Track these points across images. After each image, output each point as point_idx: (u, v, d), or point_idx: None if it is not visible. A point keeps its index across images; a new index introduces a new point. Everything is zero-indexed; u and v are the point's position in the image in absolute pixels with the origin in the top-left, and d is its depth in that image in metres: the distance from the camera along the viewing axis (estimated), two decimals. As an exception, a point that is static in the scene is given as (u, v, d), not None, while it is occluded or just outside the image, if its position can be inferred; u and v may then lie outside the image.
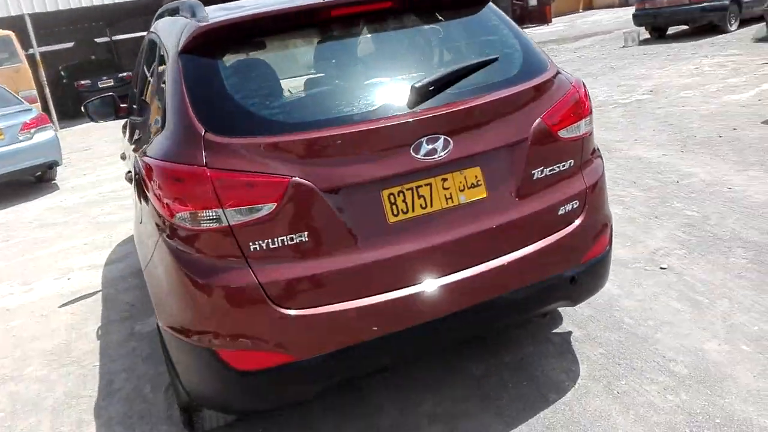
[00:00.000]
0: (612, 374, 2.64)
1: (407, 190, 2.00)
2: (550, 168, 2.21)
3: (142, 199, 2.26)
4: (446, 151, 2.01)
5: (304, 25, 2.21)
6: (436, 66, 2.40)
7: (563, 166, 2.22)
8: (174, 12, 2.63)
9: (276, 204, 1.85)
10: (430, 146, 1.99)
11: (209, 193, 1.84)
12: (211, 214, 1.86)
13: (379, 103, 2.03)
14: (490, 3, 2.47)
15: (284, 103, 2.17)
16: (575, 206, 2.25)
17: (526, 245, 2.15)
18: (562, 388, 2.59)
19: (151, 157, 2.05)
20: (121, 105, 3.64)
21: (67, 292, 4.54)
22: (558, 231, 2.23)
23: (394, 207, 1.99)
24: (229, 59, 2.13)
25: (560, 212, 2.22)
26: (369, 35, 2.40)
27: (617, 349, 2.81)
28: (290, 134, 1.91)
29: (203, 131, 1.91)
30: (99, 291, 4.46)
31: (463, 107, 2.06)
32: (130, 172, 2.85)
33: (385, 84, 2.20)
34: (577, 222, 2.27)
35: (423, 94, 2.02)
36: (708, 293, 3.19)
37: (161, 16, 3.02)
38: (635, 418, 2.36)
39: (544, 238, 2.19)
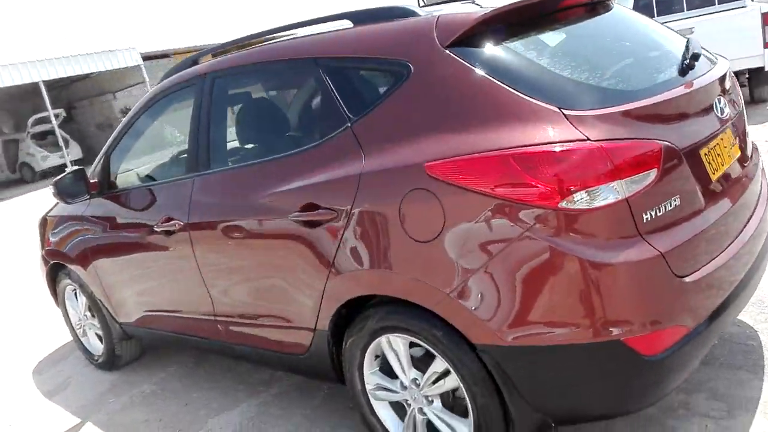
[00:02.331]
0: None
1: (712, 148, 2.10)
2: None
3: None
4: (727, 110, 2.25)
5: (562, 8, 2.29)
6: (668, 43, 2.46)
7: None
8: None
9: (657, 169, 1.82)
10: (721, 105, 2.21)
11: (606, 166, 1.75)
12: (606, 189, 1.76)
13: (677, 72, 2.18)
14: None
15: (610, 74, 2.12)
16: None
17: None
18: None
19: (484, 151, 1.86)
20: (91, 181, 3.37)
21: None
22: None
23: (709, 165, 2.07)
24: (515, 41, 2.08)
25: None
26: (607, 18, 2.46)
27: None
28: (637, 101, 1.93)
29: (558, 108, 1.84)
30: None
31: (720, 74, 2.30)
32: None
33: (665, 56, 2.31)
34: None
35: (695, 63, 2.23)
36: None
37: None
38: None
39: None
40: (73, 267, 3.76)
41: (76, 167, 3.40)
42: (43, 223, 4.11)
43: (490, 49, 2.02)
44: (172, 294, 3.16)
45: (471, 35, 2.03)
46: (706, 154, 2.05)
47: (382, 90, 2.19)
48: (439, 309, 2.01)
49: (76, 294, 4.03)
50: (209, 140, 2.78)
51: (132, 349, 3.95)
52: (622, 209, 1.77)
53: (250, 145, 2.91)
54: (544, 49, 2.11)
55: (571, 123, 1.81)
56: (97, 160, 3.47)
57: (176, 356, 4.01)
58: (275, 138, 2.72)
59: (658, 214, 1.84)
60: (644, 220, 1.81)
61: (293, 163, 2.40)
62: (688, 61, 2.22)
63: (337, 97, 2.28)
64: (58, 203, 4.13)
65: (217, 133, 2.78)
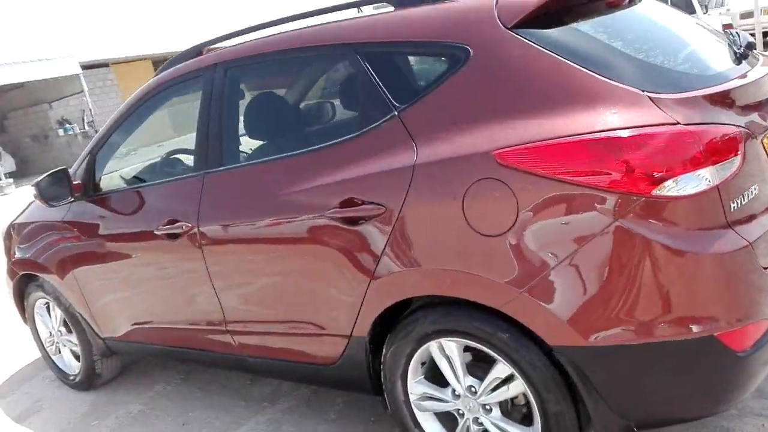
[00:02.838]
0: None
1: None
2: None
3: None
4: None
5: None
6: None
7: None
8: None
9: (740, 155, 1.73)
10: None
11: (698, 151, 1.65)
12: (697, 176, 1.66)
13: (736, 61, 2.11)
14: None
15: (682, 58, 2.04)
16: None
17: None
18: None
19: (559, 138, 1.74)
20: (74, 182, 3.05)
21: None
22: None
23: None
24: (581, 23, 2.00)
25: None
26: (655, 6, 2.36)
27: None
28: (713, 86, 1.86)
29: (641, 91, 1.73)
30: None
31: None
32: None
33: (718, 46, 2.23)
34: None
35: (749, 53, 2.19)
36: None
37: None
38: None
39: None
40: (47, 277, 3.43)
41: (59, 168, 3.08)
42: (9, 232, 3.76)
43: (558, 31, 1.92)
44: (171, 304, 2.90)
45: (535, 16, 1.91)
46: (762, 142, 2.00)
47: (434, 75, 2.04)
48: (508, 309, 1.86)
49: (49, 308, 3.69)
50: (222, 134, 2.56)
51: (113, 367, 3.63)
52: (713, 197, 1.68)
53: (273, 139, 2.70)
54: (612, 32, 2.02)
55: (658, 106, 1.71)
56: (79, 160, 3.18)
57: (160, 373, 3.71)
58: (303, 130, 2.53)
59: (743, 203, 1.76)
60: (731, 209, 1.72)
61: (327, 156, 2.22)
62: (743, 50, 2.17)
63: (379, 85, 2.12)
64: (25, 210, 3.79)
65: (233, 127, 2.56)
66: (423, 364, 2.22)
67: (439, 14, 2.08)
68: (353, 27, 2.25)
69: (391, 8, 2.23)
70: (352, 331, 2.27)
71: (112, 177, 3.23)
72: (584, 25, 1.98)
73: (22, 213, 3.80)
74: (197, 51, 2.79)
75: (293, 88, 2.89)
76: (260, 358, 2.67)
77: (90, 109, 20.17)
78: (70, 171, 3.12)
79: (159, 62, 28.31)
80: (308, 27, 2.39)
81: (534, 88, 1.84)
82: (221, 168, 2.54)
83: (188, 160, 3.42)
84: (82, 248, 3.17)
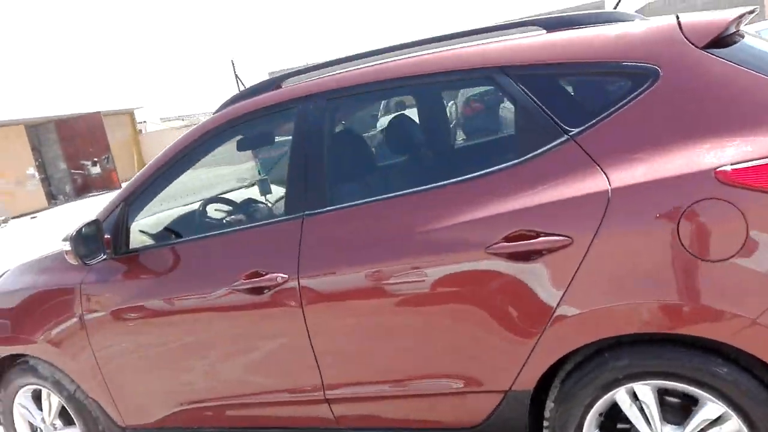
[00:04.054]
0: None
1: None
2: None
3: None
4: None
5: None
6: None
7: None
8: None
9: None
10: None
11: None
12: None
13: None
14: None
15: None
16: None
17: None
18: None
19: None
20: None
21: None
22: None
23: None
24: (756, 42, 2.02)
25: None
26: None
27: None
28: None
29: None
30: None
31: None
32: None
33: None
34: None
35: None
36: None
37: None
38: None
39: None
40: (48, 357, 2.84)
41: (90, 219, 2.58)
42: None
43: (750, 50, 1.89)
44: (241, 373, 2.47)
45: (723, 37, 1.88)
46: None
47: (613, 97, 1.93)
48: (736, 340, 1.71)
49: (37, 397, 3.05)
50: (326, 171, 2.27)
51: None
52: None
53: (399, 172, 2.43)
54: None
55: None
56: (105, 210, 2.70)
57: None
58: (440, 160, 2.29)
59: None
60: None
61: (480, 186, 2.01)
62: None
63: (542, 108, 1.97)
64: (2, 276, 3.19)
65: (341, 163, 2.28)
66: (600, 414, 1.99)
67: (612, 36, 1.99)
68: (503, 50, 2.09)
69: (542, 31, 2.12)
70: (511, 386, 2.01)
71: (159, 226, 2.78)
72: (762, 44, 1.97)
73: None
74: (274, 83, 2.51)
75: (425, 116, 2.64)
76: (367, 430, 2.30)
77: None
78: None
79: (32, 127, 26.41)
80: (438, 52, 2.21)
81: (740, 105, 1.78)
82: (328, 208, 2.24)
83: (227, 209, 3.06)
84: (106, 317, 2.66)
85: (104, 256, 2.57)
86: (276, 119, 2.46)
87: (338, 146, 2.30)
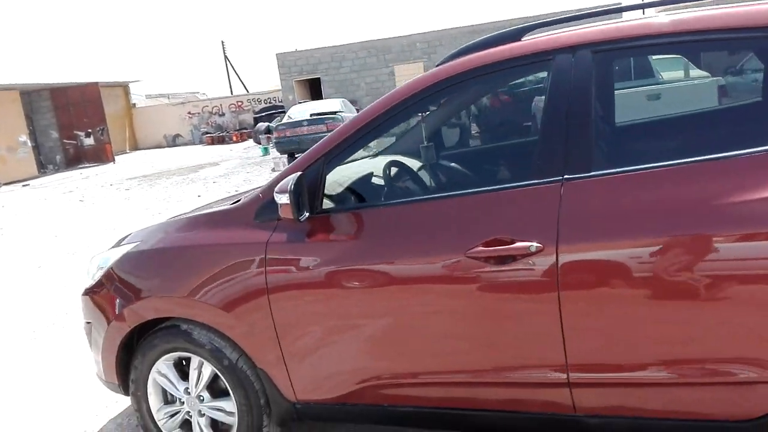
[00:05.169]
0: None
1: None
2: None
3: None
4: None
5: None
6: None
7: None
8: None
9: None
10: None
11: None
12: None
13: None
14: None
15: None
16: None
17: None
18: None
19: None
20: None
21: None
22: None
23: None
24: None
25: None
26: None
27: None
28: None
29: None
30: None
31: None
32: None
33: None
34: None
35: None
36: None
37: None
38: None
39: None
40: (213, 322, 2.59)
41: (296, 173, 2.33)
42: (111, 274, 2.84)
43: None
44: (463, 347, 2.24)
45: None
46: None
47: None
48: None
49: (181, 366, 2.79)
50: (593, 132, 2.06)
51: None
52: None
53: (695, 135, 2.21)
54: None
55: None
56: (302, 162, 2.44)
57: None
58: (743, 124, 2.08)
59: None
60: None
61: None
62: None
63: None
64: (138, 235, 2.93)
65: (610, 123, 2.07)
66: None
67: None
68: None
69: None
70: None
71: (364, 184, 2.55)
72: None
73: (130, 240, 2.92)
74: (515, 35, 2.28)
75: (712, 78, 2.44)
76: (613, 417, 2.10)
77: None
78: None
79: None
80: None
81: None
82: (601, 172, 2.02)
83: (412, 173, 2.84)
84: (295, 281, 2.41)
85: (308, 214, 2.33)
86: (518, 73, 2.23)
87: (606, 104, 2.08)
